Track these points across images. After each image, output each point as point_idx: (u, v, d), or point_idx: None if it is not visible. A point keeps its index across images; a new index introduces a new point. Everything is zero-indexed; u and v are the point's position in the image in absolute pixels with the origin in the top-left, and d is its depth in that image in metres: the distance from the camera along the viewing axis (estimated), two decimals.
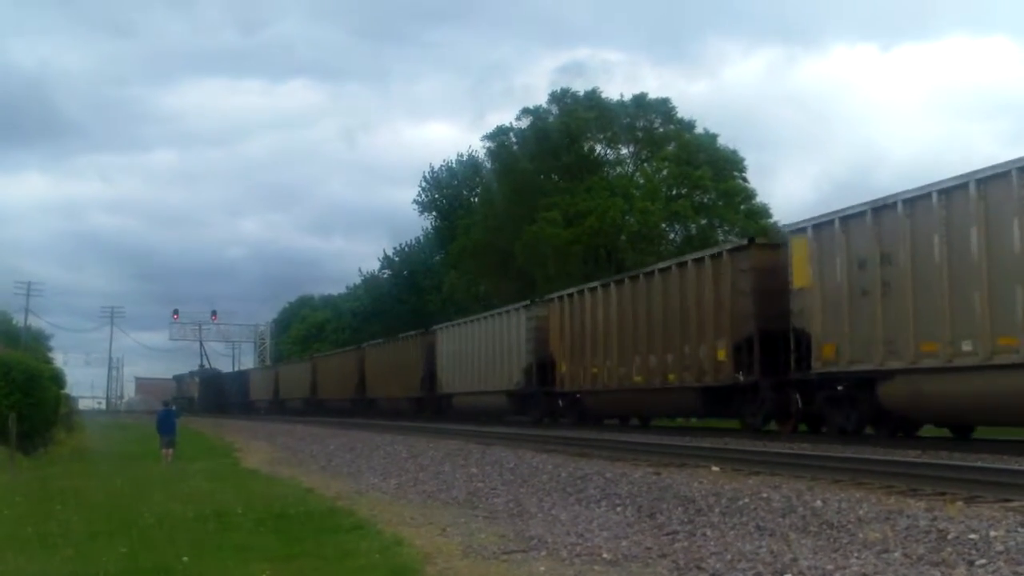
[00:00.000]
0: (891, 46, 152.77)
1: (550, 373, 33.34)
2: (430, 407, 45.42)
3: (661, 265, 27.68)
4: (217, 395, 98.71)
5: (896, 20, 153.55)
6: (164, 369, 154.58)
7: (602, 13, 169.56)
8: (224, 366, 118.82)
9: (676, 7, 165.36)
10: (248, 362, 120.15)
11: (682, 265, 26.16)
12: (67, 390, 47.02)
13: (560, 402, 33.48)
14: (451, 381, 42.68)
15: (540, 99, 57.60)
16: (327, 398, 64.16)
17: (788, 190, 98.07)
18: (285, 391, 75.64)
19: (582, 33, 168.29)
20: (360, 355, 57.56)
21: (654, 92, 56.11)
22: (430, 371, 44.89)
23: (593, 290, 31.01)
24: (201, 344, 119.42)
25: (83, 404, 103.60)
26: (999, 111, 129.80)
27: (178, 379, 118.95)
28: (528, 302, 36.31)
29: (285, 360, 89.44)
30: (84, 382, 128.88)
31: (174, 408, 29.06)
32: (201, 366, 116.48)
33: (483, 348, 38.79)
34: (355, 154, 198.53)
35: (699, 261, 25.39)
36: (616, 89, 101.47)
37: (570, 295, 32.43)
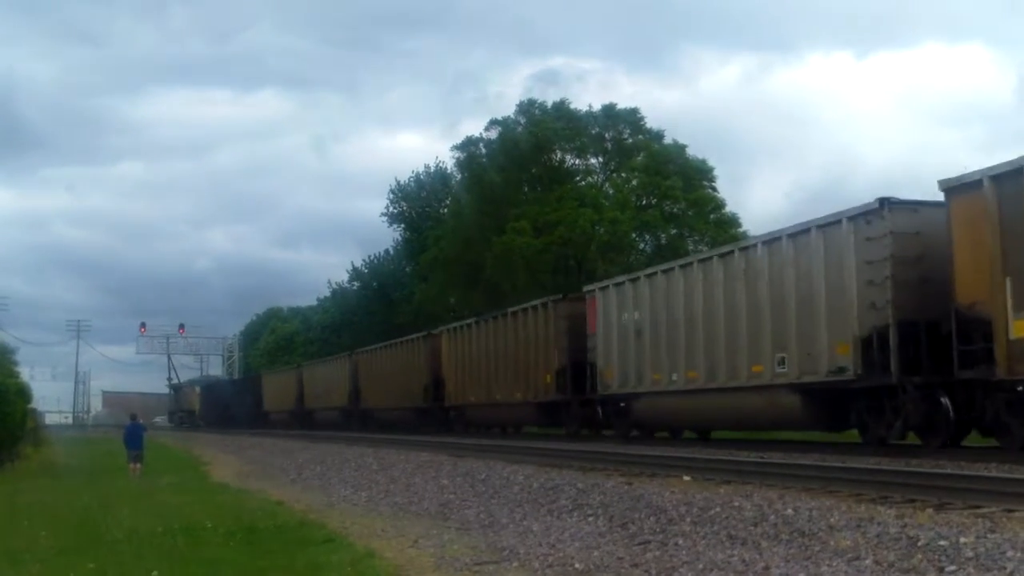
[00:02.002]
0: (866, 54, 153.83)
1: (925, 342, 17.34)
2: (574, 419, 30.09)
3: None
4: (223, 406, 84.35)
5: (871, 27, 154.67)
6: (131, 383, 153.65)
7: (577, 21, 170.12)
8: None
9: (651, 15, 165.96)
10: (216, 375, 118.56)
11: None
12: (33, 405, 46.53)
13: (942, 399, 17.06)
14: (627, 374, 26.00)
15: (514, 108, 57.63)
16: (378, 407, 48.88)
17: (763, 198, 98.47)
18: (313, 399, 60.67)
19: (557, 41, 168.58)
20: (432, 346, 41.26)
21: (629, 101, 56.74)
22: (576, 361, 28.96)
23: None
24: (169, 358, 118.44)
25: (50, 419, 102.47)
26: (974, 118, 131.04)
27: (175, 388, 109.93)
28: (872, 202, 18.27)
29: (313, 359, 69.98)
30: (50, 396, 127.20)
31: (141, 422, 28.81)
32: (169, 379, 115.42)
33: (716, 310, 22.23)
34: (325, 165, 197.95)
35: None
36: (590, 98, 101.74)
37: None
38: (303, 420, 61.59)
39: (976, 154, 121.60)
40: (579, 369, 28.59)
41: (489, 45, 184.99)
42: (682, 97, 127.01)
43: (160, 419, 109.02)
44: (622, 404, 26.65)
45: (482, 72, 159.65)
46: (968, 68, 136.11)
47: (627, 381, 25.94)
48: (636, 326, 25.59)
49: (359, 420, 50.69)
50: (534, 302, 32.49)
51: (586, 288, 29.46)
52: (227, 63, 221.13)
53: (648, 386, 24.97)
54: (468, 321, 38.50)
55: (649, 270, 26.32)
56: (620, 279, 27.62)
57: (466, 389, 37.02)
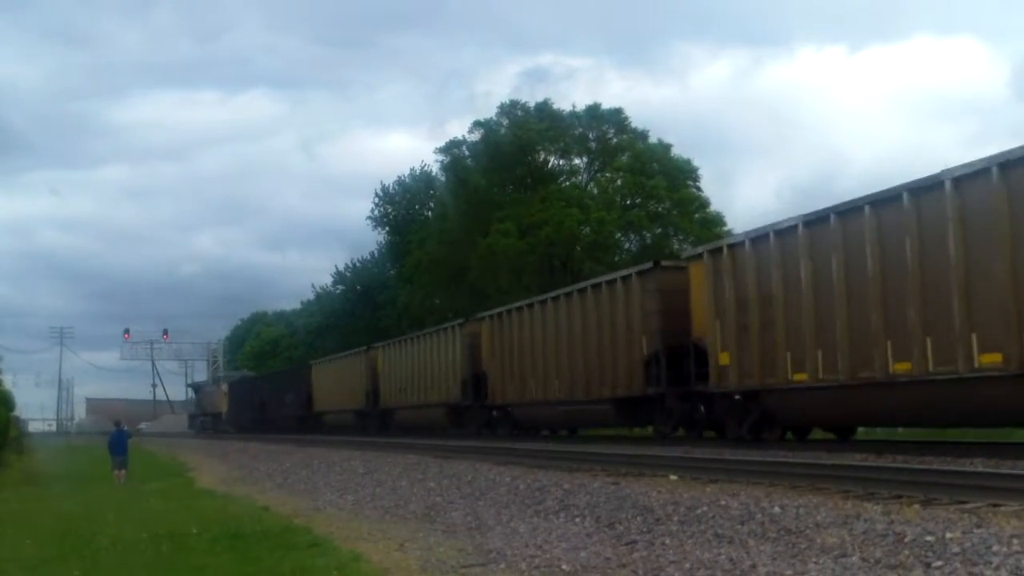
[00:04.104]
0: (858, 48, 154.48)
1: None
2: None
3: None
4: (258, 407, 66.96)
5: (863, 22, 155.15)
6: (116, 390, 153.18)
7: (566, 18, 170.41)
8: (177, 384, 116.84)
9: (641, 11, 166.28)
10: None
11: None
12: (16, 412, 46.36)
13: None
14: None
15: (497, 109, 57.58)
16: (518, 402, 32.27)
17: (754, 195, 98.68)
18: (394, 394, 42.89)
19: (546, 38, 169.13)
20: (660, 285, 24.46)
21: (619, 98, 56.99)
22: None
23: None
24: (153, 363, 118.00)
25: (33, 427, 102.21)
26: (965, 112, 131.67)
27: (197, 388, 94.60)
28: None
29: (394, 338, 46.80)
30: (34, 404, 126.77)
31: (126, 429, 28.66)
32: (154, 385, 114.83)
33: None
34: (313, 166, 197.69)
35: None
36: (580, 95, 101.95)
37: None
38: (377, 422, 45.21)
39: (968, 148, 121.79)
40: None
41: (478, 43, 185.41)
42: (672, 94, 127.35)
43: (145, 425, 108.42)
44: None
45: (471, 70, 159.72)
46: (960, 62, 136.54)
47: None
48: None
49: (481, 421, 35.30)
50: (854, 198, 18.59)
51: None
52: (214, 64, 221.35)
53: None
54: (693, 253, 24.11)
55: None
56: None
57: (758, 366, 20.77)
